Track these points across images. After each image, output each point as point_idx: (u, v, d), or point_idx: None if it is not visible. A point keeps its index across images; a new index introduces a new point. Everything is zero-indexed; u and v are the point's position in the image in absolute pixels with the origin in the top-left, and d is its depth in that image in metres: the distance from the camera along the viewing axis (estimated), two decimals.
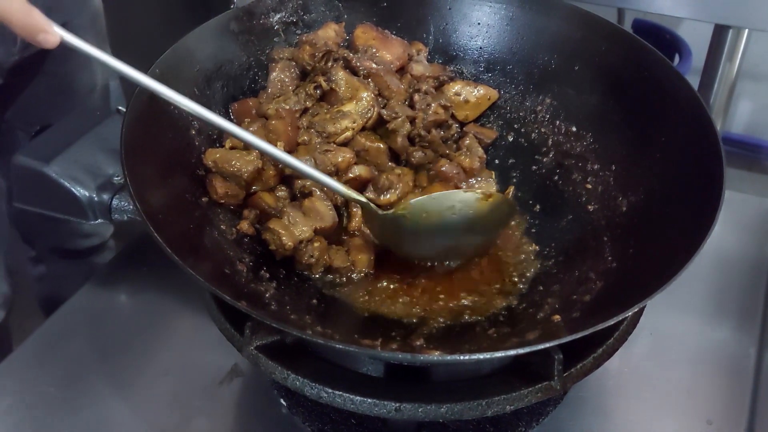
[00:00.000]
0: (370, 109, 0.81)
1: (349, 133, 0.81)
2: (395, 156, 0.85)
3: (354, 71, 0.84)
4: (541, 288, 0.76)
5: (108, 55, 0.67)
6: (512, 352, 0.58)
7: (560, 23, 0.90)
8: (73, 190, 0.84)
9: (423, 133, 0.83)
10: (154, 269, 0.93)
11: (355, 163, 0.82)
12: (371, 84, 0.84)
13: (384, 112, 0.82)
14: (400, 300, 0.76)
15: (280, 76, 0.84)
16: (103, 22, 1.26)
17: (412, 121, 0.83)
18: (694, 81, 1.29)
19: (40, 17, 0.65)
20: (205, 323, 0.73)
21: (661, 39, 2.01)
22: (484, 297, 0.77)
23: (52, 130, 0.92)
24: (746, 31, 1.16)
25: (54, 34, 0.65)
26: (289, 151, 0.78)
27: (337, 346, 0.57)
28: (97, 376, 0.83)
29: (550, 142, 0.90)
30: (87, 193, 0.84)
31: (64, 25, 1.22)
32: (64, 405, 0.80)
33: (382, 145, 0.83)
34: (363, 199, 0.75)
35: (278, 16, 0.90)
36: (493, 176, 0.90)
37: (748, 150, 2.49)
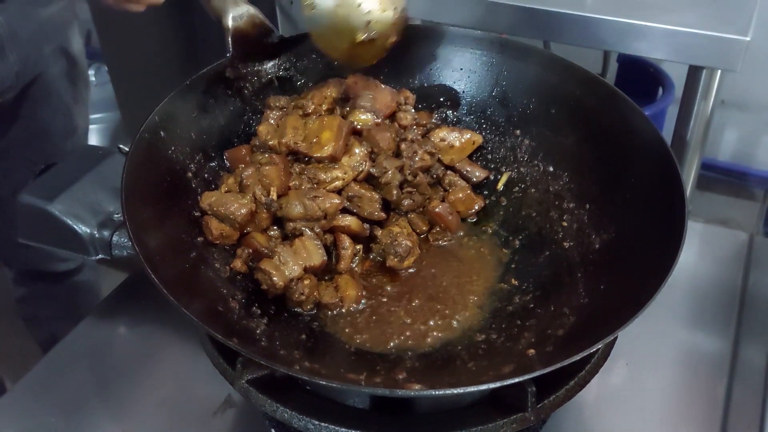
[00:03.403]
0: (362, 164, 0.86)
1: (338, 183, 0.85)
2: (385, 203, 0.89)
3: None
4: (519, 322, 0.80)
5: None
6: (484, 387, 0.62)
7: (537, 69, 0.95)
8: (75, 227, 0.88)
9: (410, 178, 0.88)
10: (151, 302, 0.97)
11: (349, 214, 0.86)
12: (362, 140, 0.88)
13: (373, 170, 0.87)
14: (386, 334, 0.80)
15: (272, 124, 0.89)
16: (83, 70, 1.31)
17: (400, 169, 0.88)
18: (677, 112, 1.34)
19: None
20: (201, 355, 0.77)
21: (645, 72, 2.08)
22: (465, 332, 0.81)
23: (55, 169, 0.97)
24: (719, 71, 1.21)
25: None
26: (281, 195, 0.83)
27: (322, 382, 0.61)
28: (97, 407, 0.87)
29: (528, 181, 0.95)
30: (88, 230, 0.88)
31: (39, 76, 1.25)
32: None
33: (376, 195, 0.87)
34: None
35: (272, 63, 0.95)
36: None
37: (734, 177, 2.54)
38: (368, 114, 0.90)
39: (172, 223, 0.79)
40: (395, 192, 0.87)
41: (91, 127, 2.17)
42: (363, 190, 0.87)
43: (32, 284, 1.49)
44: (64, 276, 1.49)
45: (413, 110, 0.95)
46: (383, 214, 0.88)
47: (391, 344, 0.80)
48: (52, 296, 1.51)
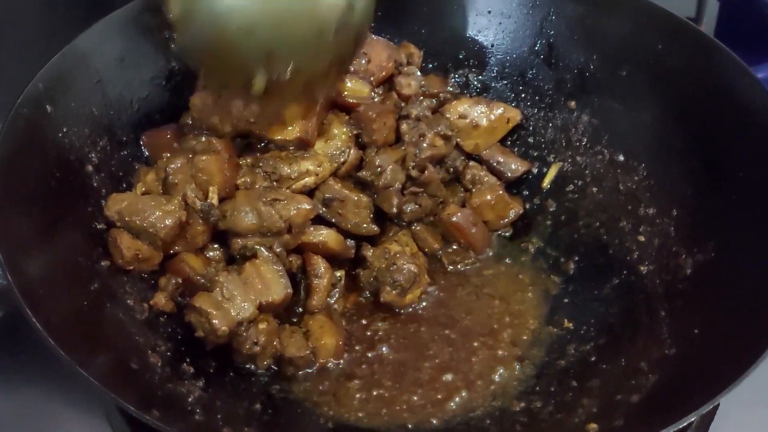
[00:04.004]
0: (344, 151, 0.86)
1: (309, 180, 0.84)
2: (379, 211, 0.89)
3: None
4: (575, 383, 0.80)
5: None
6: None
7: (601, 14, 0.95)
8: None
9: (414, 174, 0.87)
10: (37, 357, 0.96)
11: (326, 225, 0.86)
12: (348, 119, 0.88)
13: (363, 173, 0.86)
14: (378, 403, 0.80)
15: (212, 94, 0.88)
16: None
17: (401, 162, 0.87)
18: None
19: None
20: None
21: (758, 16, 2.08)
22: (497, 398, 0.81)
23: None
24: None
25: None
26: (224, 198, 0.83)
27: None
28: None
29: (588, 176, 0.95)
30: None
31: None
32: None
33: (364, 198, 0.87)
34: None
35: None
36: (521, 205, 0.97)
37: None
38: (360, 81, 0.90)
39: (63, 240, 0.78)
40: (396, 201, 0.87)
41: None
42: (346, 191, 0.87)
43: None
44: None
45: (419, 73, 0.95)
46: (375, 227, 0.88)
47: (386, 418, 0.79)
48: None
